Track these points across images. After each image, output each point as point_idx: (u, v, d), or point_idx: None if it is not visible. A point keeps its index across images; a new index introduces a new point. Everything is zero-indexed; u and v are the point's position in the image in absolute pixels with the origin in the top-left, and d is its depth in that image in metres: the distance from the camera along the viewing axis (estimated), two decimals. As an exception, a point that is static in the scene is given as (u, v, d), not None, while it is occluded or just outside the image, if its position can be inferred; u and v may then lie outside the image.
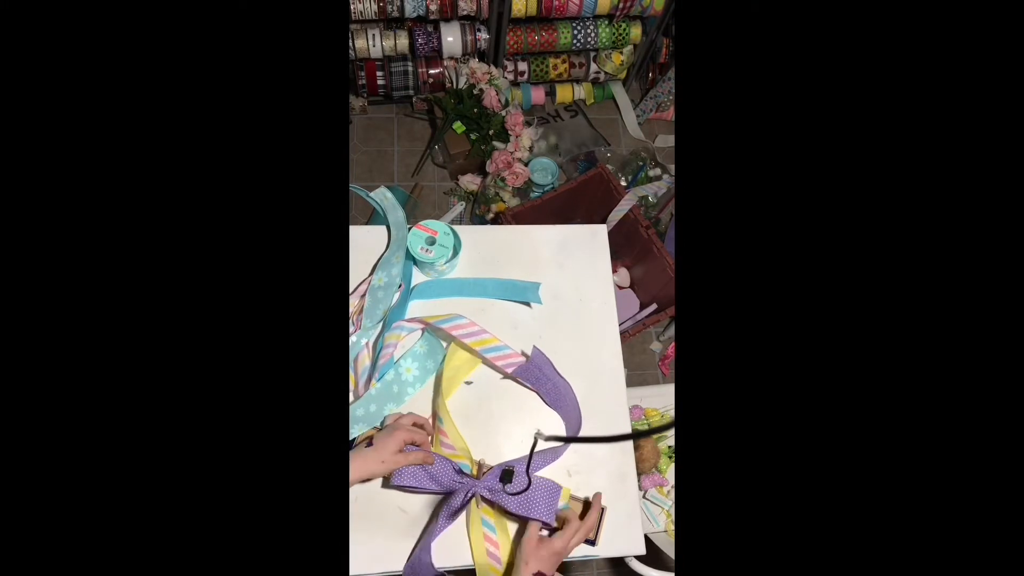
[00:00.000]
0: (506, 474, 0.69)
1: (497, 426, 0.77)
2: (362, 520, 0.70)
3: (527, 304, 0.83)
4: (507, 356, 0.76)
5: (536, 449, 0.70)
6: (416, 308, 0.82)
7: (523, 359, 0.76)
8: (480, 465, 0.72)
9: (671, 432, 1.21)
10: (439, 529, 0.68)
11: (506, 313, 0.83)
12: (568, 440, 0.75)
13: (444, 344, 0.80)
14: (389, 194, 0.88)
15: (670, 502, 1.16)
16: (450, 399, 0.76)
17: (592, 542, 0.71)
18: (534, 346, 0.78)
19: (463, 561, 0.70)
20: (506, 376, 0.78)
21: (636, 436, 0.56)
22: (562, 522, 0.68)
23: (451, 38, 1.72)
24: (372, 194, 0.88)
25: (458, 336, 0.76)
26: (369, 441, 0.67)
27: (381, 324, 0.79)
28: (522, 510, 0.68)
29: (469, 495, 0.67)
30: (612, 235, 0.97)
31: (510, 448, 0.75)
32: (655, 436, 1.20)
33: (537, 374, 0.77)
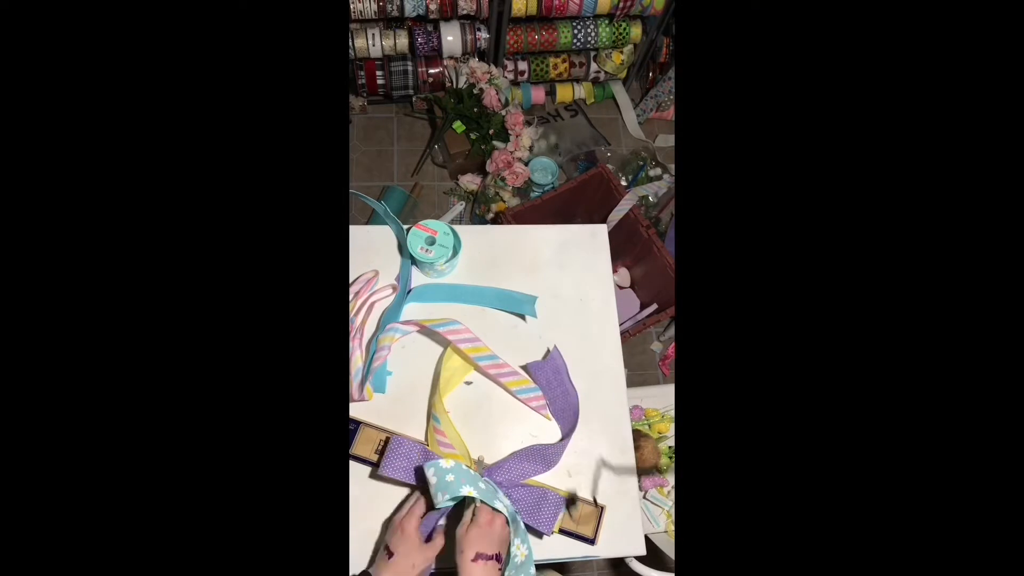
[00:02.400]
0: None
1: (496, 425, 0.77)
2: (362, 520, 0.70)
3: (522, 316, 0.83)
4: (499, 366, 0.76)
5: (531, 442, 0.69)
6: (413, 310, 0.82)
7: (514, 370, 0.76)
8: (479, 462, 0.72)
9: (671, 432, 1.21)
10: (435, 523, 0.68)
11: (506, 313, 0.83)
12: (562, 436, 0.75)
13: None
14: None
15: (670, 502, 1.16)
16: (447, 398, 0.76)
17: (592, 541, 0.71)
18: (555, 346, 0.79)
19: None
20: (498, 384, 0.78)
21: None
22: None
23: (451, 37, 1.72)
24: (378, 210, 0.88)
25: (453, 341, 0.76)
26: (387, 551, 0.63)
27: (376, 326, 0.80)
28: (524, 516, 0.68)
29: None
30: (612, 235, 0.97)
31: (509, 447, 0.75)
32: (655, 437, 1.20)
33: (550, 376, 0.78)
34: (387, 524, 0.70)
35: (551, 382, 0.78)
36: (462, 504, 0.67)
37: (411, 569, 0.62)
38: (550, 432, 0.77)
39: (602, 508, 0.72)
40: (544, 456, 0.74)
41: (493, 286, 0.84)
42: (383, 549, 0.64)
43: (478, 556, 0.60)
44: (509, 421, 0.77)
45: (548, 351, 0.80)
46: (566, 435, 0.76)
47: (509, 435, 0.76)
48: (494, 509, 0.64)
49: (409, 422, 0.75)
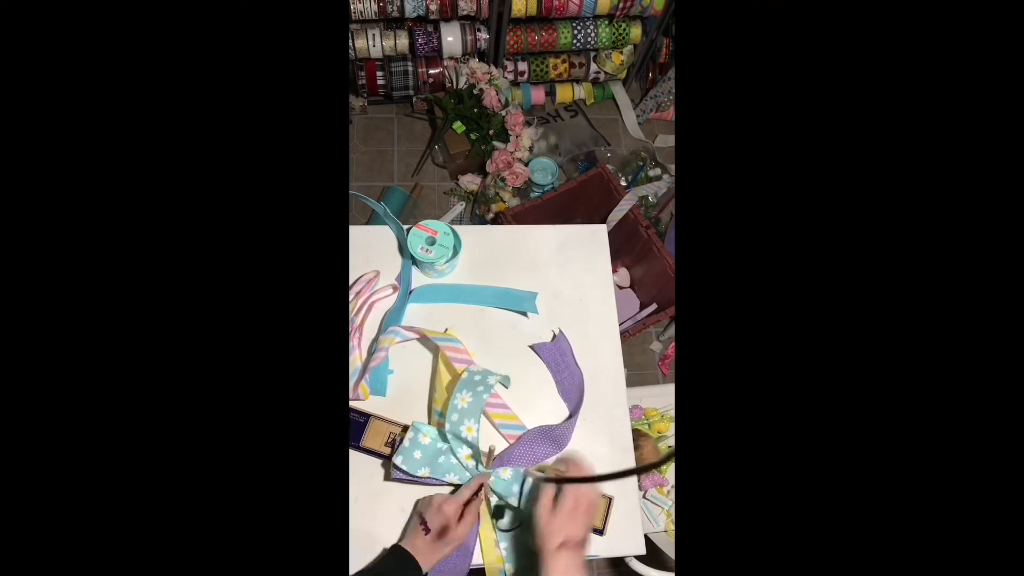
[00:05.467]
0: (497, 510, 0.69)
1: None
2: (362, 520, 0.70)
3: (523, 314, 0.83)
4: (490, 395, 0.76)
5: (537, 423, 0.72)
6: (415, 311, 0.82)
7: (503, 402, 0.77)
8: (489, 453, 0.72)
9: (671, 432, 1.21)
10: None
11: (506, 313, 0.83)
12: (561, 481, 0.69)
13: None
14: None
15: (670, 502, 1.16)
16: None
17: (600, 531, 0.71)
18: (560, 330, 0.80)
19: (471, 560, 0.70)
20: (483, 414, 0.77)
21: (638, 471, 0.51)
22: (557, 473, 0.67)
23: (451, 38, 1.72)
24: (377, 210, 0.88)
25: (449, 356, 0.76)
26: (423, 526, 0.64)
27: (377, 327, 0.80)
28: (525, 463, 0.70)
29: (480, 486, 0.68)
30: (612, 235, 0.98)
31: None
32: (655, 436, 1.20)
33: (557, 358, 0.79)
34: (420, 501, 0.70)
35: (558, 363, 0.79)
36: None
37: (446, 547, 0.63)
38: (557, 418, 0.78)
39: (610, 499, 0.73)
40: (553, 437, 0.74)
41: (493, 285, 0.84)
42: (417, 523, 0.65)
43: (564, 543, 0.57)
44: (516, 413, 0.77)
45: (554, 334, 0.81)
46: (573, 414, 0.76)
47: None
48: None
49: (413, 419, 0.75)
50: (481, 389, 0.71)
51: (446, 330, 0.81)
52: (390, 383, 0.78)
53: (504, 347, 0.81)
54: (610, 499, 0.73)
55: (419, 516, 0.65)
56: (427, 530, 0.63)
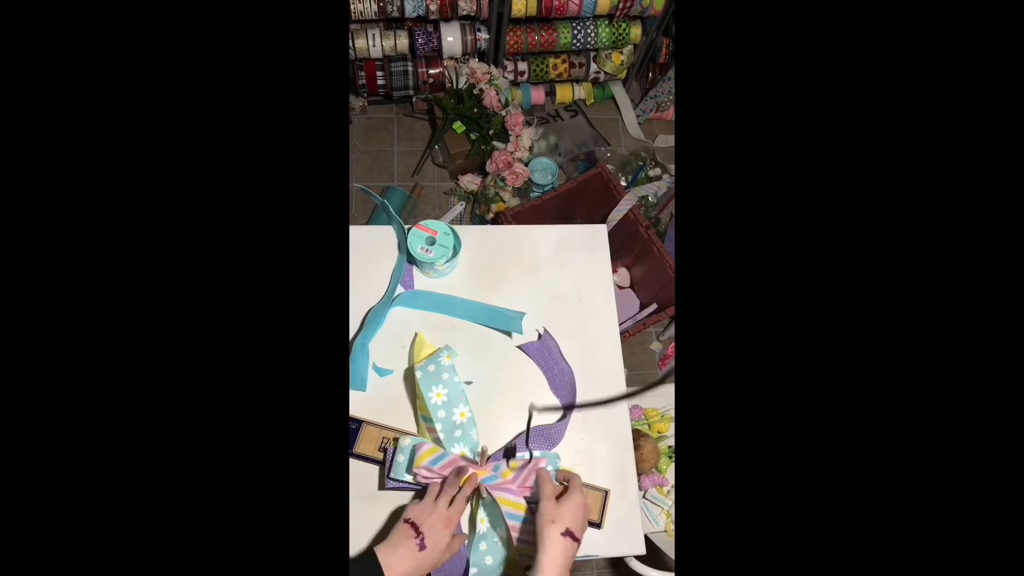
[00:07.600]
0: (508, 452, 0.70)
1: (497, 420, 0.77)
2: (362, 520, 0.70)
3: (508, 334, 0.82)
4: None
5: (532, 424, 0.73)
6: (402, 315, 0.82)
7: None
8: (482, 453, 0.72)
9: (671, 432, 1.21)
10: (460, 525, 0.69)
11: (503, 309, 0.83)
12: (563, 409, 0.76)
13: None
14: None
15: (670, 502, 1.16)
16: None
17: (597, 525, 0.71)
18: (545, 328, 0.80)
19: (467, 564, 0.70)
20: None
21: (630, 395, 0.53)
22: (566, 479, 0.68)
23: (451, 38, 1.72)
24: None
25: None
26: (419, 537, 0.57)
27: (360, 325, 0.80)
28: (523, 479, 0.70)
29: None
30: (612, 235, 0.98)
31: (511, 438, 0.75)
32: (655, 436, 1.20)
33: (547, 356, 0.80)
34: (410, 507, 0.63)
35: (547, 360, 0.80)
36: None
37: (432, 567, 0.58)
38: (552, 418, 0.78)
39: (606, 492, 0.72)
40: (548, 435, 0.74)
41: (493, 286, 0.84)
42: (409, 532, 0.59)
43: (568, 532, 0.56)
44: (509, 419, 0.77)
45: (539, 333, 0.81)
46: (567, 412, 0.77)
47: (511, 428, 0.76)
48: None
49: (410, 423, 0.75)
50: (447, 376, 0.72)
51: (416, 335, 0.80)
52: (386, 387, 0.77)
53: (499, 348, 0.81)
54: (606, 492, 0.73)
55: (412, 525, 0.59)
56: (422, 545, 0.57)
